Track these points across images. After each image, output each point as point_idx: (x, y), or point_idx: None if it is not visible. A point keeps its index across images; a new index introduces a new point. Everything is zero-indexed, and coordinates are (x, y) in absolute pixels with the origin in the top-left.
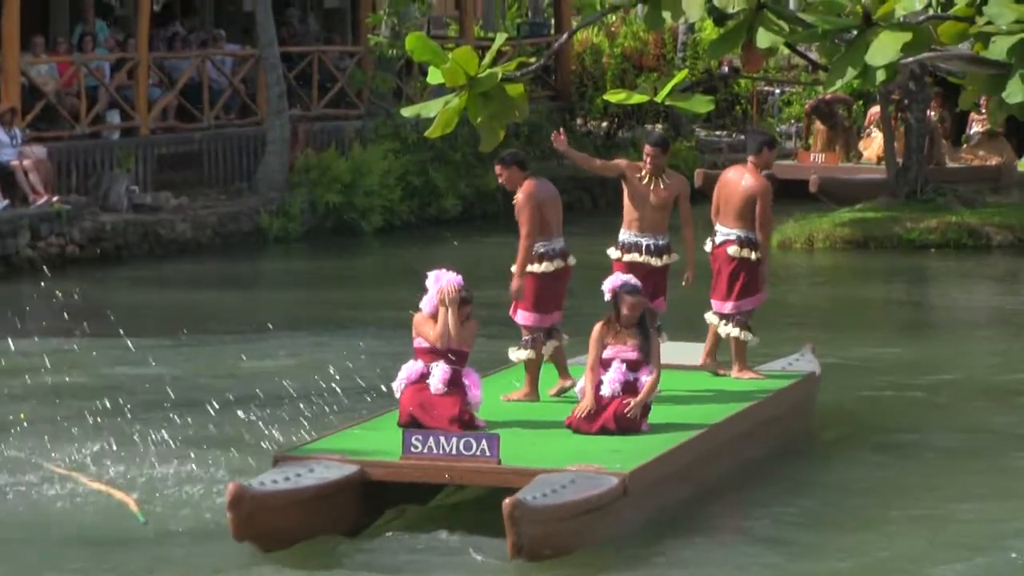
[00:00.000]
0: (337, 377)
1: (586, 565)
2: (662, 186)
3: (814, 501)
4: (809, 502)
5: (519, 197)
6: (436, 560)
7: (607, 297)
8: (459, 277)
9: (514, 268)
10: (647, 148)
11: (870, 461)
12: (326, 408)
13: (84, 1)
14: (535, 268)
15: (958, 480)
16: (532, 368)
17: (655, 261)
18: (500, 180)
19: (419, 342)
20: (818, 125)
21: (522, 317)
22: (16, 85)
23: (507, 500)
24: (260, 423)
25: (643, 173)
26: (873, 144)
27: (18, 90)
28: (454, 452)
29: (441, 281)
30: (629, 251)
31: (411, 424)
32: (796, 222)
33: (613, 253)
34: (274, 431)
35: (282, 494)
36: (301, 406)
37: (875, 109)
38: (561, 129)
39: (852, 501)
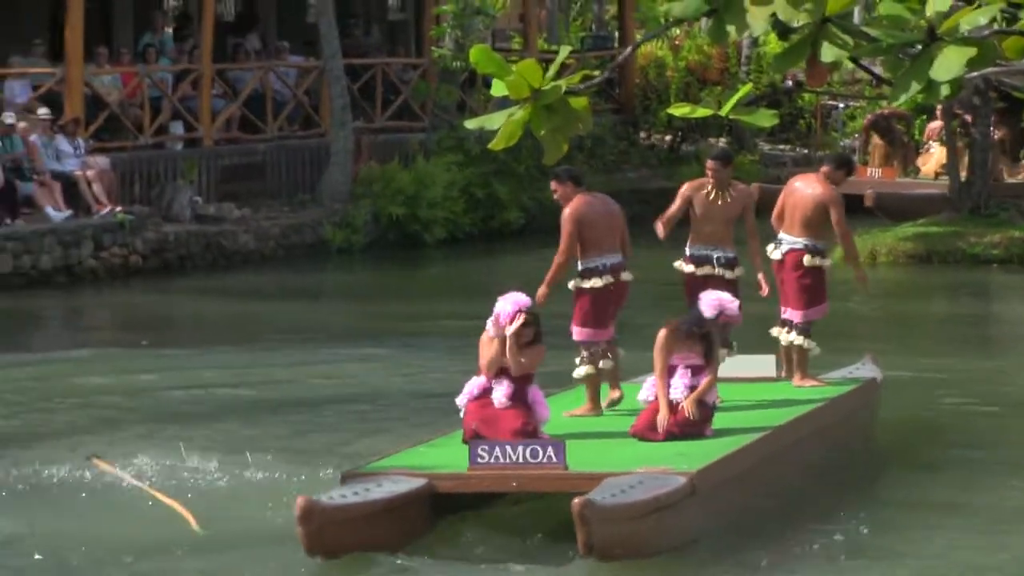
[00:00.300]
0: (399, 388)
1: (654, 567)
2: (728, 199)
3: (871, 511)
4: (866, 512)
5: (564, 213)
6: (499, 570)
7: (709, 314)
8: (523, 300)
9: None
10: (709, 163)
11: (930, 474)
12: (388, 418)
13: (150, 11)
14: (584, 284)
15: (1017, 496)
16: (592, 384)
17: (728, 274)
18: (555, 196)
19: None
20: (876, 140)
21: (577, 334)
22: (80, 95)
23: (577, 499)
24: (323, 432)
25: (708, 188)
26: (931, 159)
27: (81, 100)
28: (520, 460)
29: (504, 306)
30: (701, 264)
31: (473, 437)
32: (859, 236)
33: (685, 267)
34: (337, 440)
35: (352, 507)
36: (364, 416)
37: (934, 124)
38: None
39: (911, 515)
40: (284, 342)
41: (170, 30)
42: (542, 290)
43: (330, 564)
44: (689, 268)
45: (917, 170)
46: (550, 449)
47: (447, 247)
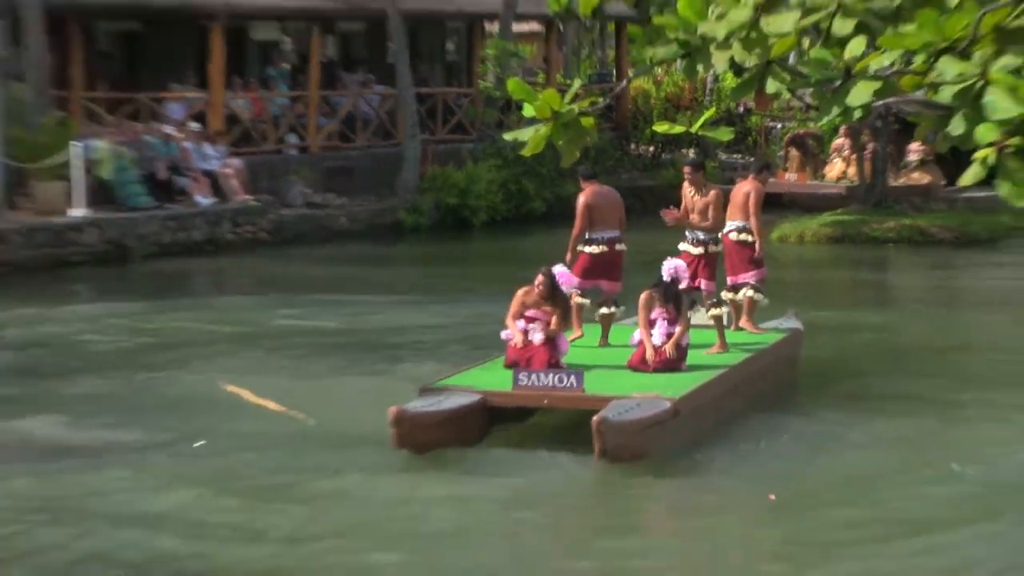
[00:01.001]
0: (454, 328)
1: (652, 470)
2: (699, 197)
3: (804, 425)
4: (799, 425)
5: (579, 198)
6: (536, 463)
7: (666, 276)
8: (557, 270)
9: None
10: (686, 169)
11: (840, 399)
12: (447, 350)
13: (272, 51)
14: (585, 248)
15: (916, 410)
16: (578, 312)
17: (694, 250)
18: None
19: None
20: (793, 152)
21: (568, 280)
22: (220, 114)
23: (595, 417)
24: (401, 359)
25: (688, 188)
26: (835, 168)
27: (222, 117)
28: (550, 384)
29: (562, 276)
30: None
31: (514, 366)
32: (790, 223)
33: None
34: (412, 365)
35: (429, 415)
36: (430, 348)
37: (838, 141)
38: (668, 210)
39: (825, 428)
40: (371, 295)
41: (287, 65)
42: (568, 256)
43: (412, 457)
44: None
45: (823, 176)
46: (572, 377)
47: (488, 228)
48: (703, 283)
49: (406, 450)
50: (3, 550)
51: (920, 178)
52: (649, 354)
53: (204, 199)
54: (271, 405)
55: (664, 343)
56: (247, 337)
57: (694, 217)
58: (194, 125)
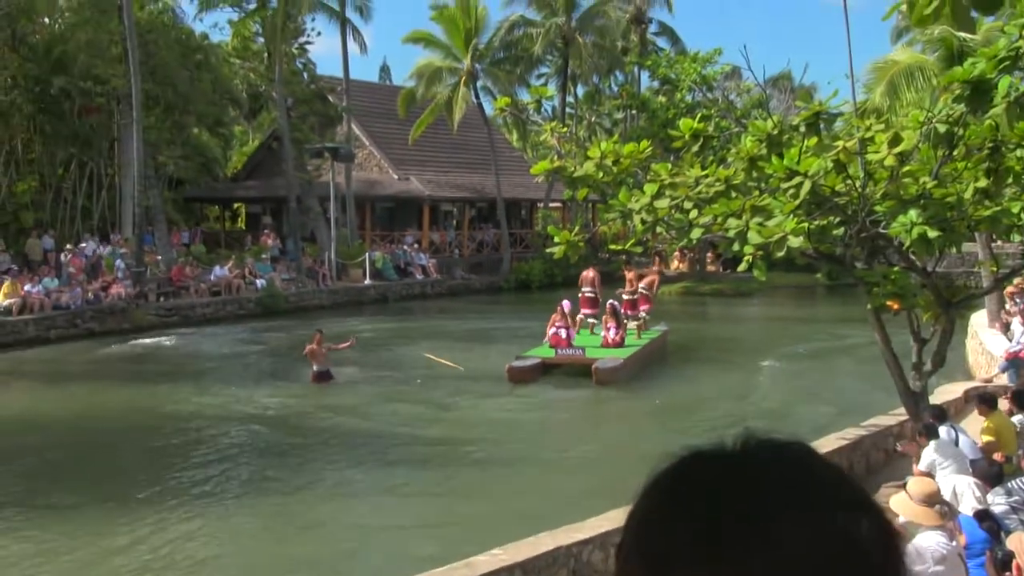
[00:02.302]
0: (523, 331)
1: (624, 393)
2: (633, 275)
3: (673, 373)
4: (671, 372)
5: (592, 275)
6: (566, 387)
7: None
8: (565, 303)
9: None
10: (626, 268)
11: (694, 366)
12: (520, 340)
13: (448, 215)
14: (579, 295)
15: (724, 369)
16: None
17: (629, 298)
18: (587, 273)
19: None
20: (656, 257)
21: (568, 306)
22: (427, 240)
23: (594, 366)
24: (497, 343)
25: (629, 273)
26: (674, 264)
27: (427, 242)
28: (571, 353)
29: (563, 304)
30: (624, 295)
31: (552, 347)
32: (666, 287)
33: (625, 297)
34: (503, 347)
35: (524, 367)
36: (511, 340)
37: (676, 253)
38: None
39: (686, 376)
40: (490, 316)
41: (455, 221)
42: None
43: (515, 385)
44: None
45: (669, 268)
46: (580, 351)
47: (539, 288)
48: (631, 312)
49: (511, 382)
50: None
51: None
52: (610, 340)
53: (419, 276)
54: (446, 362)
55: (615, 336)
56: (439, 333)
57: (630, 286)
58: (415, 245)
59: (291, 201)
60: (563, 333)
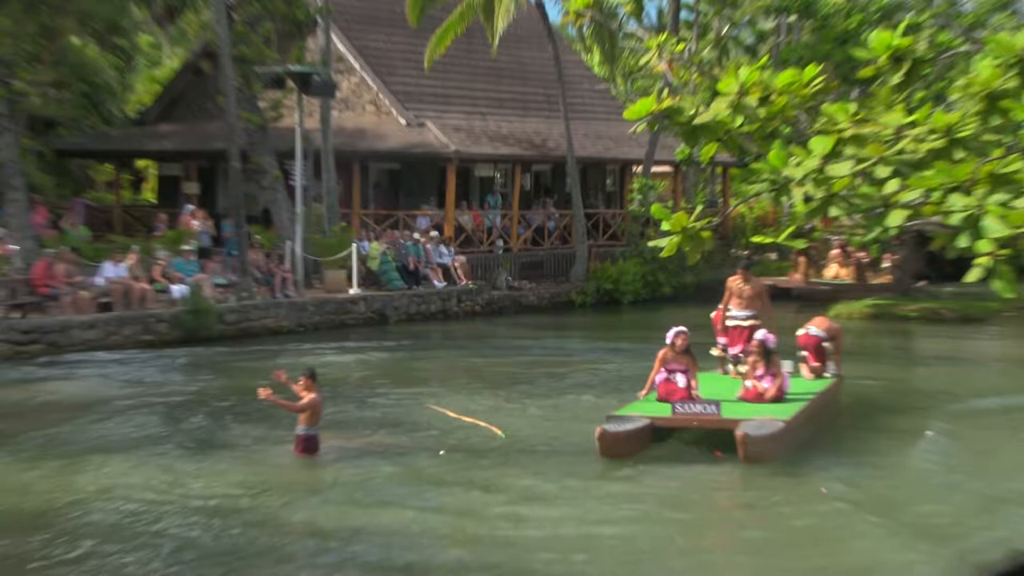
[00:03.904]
0: (616, 371)
1: (778, 472)
2: (749, 288)
3: (850, 443)
4: (848, 442)
5: (753, 286)
6: (687, 463)
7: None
8: (680, 328)
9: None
10: (739, 270)
11: (876, 426)
12: (609, 386)
13: (487, 185)
14: (729, 323)
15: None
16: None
17: (743, 323)
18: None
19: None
20: (801, 259)
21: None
22: (451, 225)
23: (740, 432)
24: (564, 394)
25: (739, 281)
26: (831, 270)
27: (452, 227)
28: (698, 411)
29: (673, 330)
30: (732, 319)
31: (664, 400)
32: (843, 304)
33: (729, 322)
34: (572, 398)
35: (625, 432)
36: (596, 384)
37: (833, 252)
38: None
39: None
40: (554, 349)
41: (500, 196)
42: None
43: (608, 462)
44: (729, 323)
45: (820, 276)
46: (712, 406)
47: (632, 305)
48: (750, 346)
49: (605, 457)
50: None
51: (886, 278)
52: (761, 391)
53: (439, 283)
54: (476, 422)
55: (772, 387)
56: (468, 374)
57: (741, 302)
58: (434, 233)
59: (232, 159)
60: (680, 380)
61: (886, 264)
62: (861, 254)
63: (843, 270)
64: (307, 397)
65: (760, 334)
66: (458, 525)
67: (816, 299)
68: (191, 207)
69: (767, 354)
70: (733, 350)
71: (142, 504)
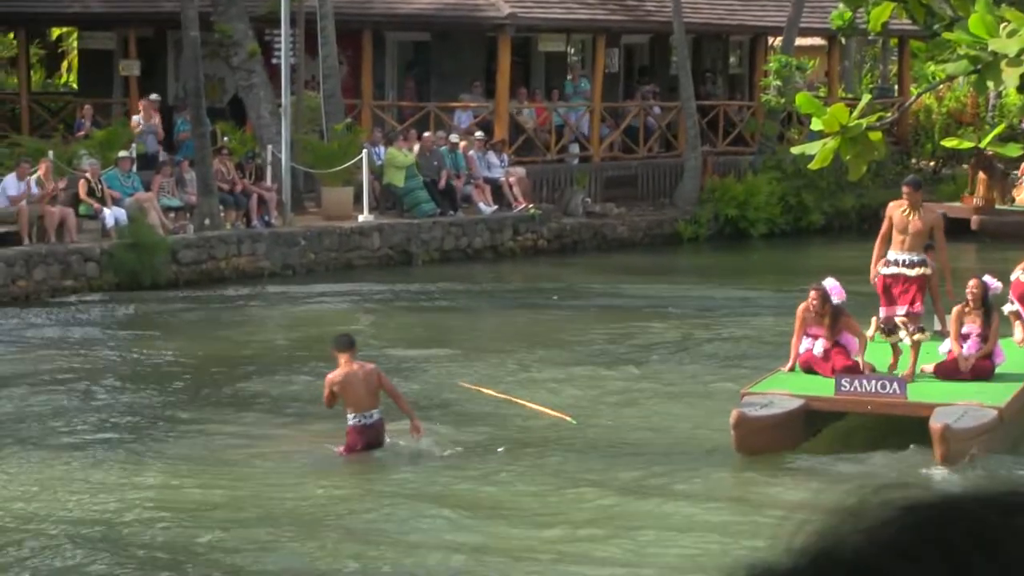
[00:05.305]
0: (741, 333)
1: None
2: (918, 218)
3: None
4: None
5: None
6: (858, 466)
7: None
8: (830, 285)
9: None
10: (904, 187)
11: None
12: (736, 353)
13: (557, 64)
14: (883, 270)
15: None
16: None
17: (909, 272)
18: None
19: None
20: (980, 175)
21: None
22: (505, 123)
23: (938, 424)
24: (695, 361)
25: (904, 207)
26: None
27: (506, 127)
28: (874, 390)
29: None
30: (890, 266)
31: (807, 371)
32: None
33: (884, 269)
34: (708, 367)
35: (766, 418)
36: (717, 352)
37: None
38: None
39: None
40: (652, 301)
41: (587, 80)
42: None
43: (747, 459)
44: (885, 270)
45: (1013, 199)
46: (895, 384)
47: (767, 239)
48: (918, 307)
49: (744, 453)
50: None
51: None
52: (963, 363)
53: (487, 207)
54: (539, 408)
55: (973, 353)
56: (516, 335)
57: (906, 239)
58: (479, 134)
59: (187, 26)
60: (820, 347)
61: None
62: None
63: None
64: (334, 378)
65: (985, 277)
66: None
67: (1009, 233)
68: (136, 96)
69: (987, 307)
70: (894, 312)
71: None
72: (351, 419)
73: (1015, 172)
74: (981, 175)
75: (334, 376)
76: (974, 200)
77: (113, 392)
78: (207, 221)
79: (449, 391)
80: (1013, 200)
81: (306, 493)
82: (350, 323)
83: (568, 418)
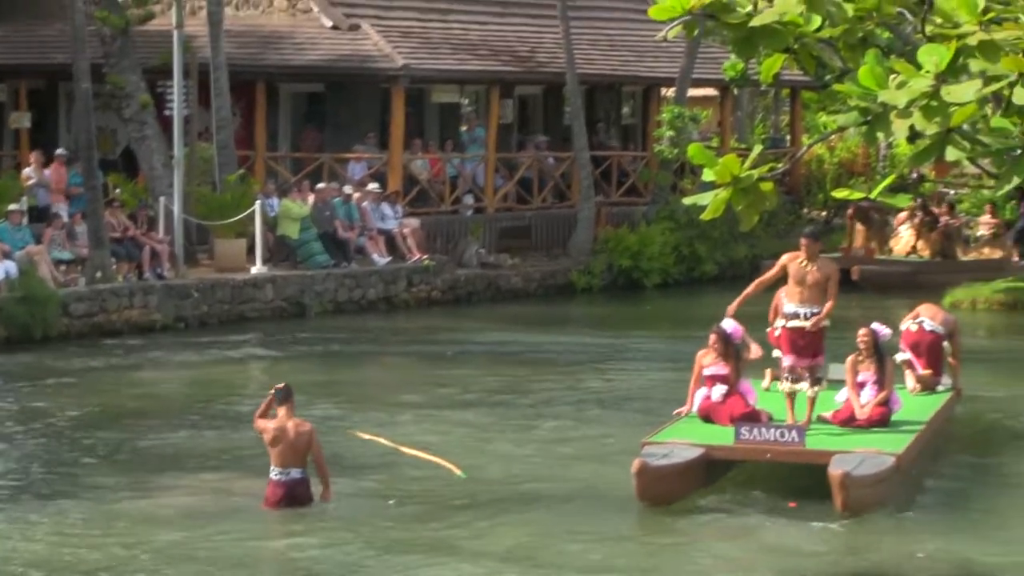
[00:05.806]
0: (634, 385)
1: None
2: (816, 269)
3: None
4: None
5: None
6: (760, 516)
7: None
8: (731, 326)
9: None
10: (803, 240)
11: (986, 451)
12: (629, 406)
13: (450, 115)
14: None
15: None
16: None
17: (808, 324)
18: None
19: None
20: (858, 226)
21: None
22: (399, 175)
23: (837, 471)
24: (588, 415)
25: (801, 259)
26: (900, 242)
27: (400, 178)
28: (772, 439)
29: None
30: (790, 319)
31: (705, 420)
32: (963, 289)
33: (786, 323)
34: (606, 422)
35: (668, 467)
36: (609, 403)
37: (902, 215)
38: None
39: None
40: (546, 351)
41: (477, 129)
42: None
43: (647, 507)
44: (781, 323)
45: (890, 250)
46: (794, 432)
47: (660, 290)
48: (821, 359)
49: (646, 502)
50: None
51: (991, 252)
52: (860, 412)
53: (380, 258)
54: (428, 457)
55: (878, 401)
56: (410, 387)
57: (804, 291)
58: (373, 185)
59: (79, 79)
60: (718, 393)
61: (984, 231)
62: (946, 216)
63: (920, 240)
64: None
65: (874, 325)
66: None
67: (888, 284)
68: (25, 149)
69: (879, 354)
70: (801, 363)
71: None
72: (272, 472)
73: (892, 222)
74: (859, 226)
75: (265, 425)
76: (851, 251)
77: (1, 447)
78: (99, 274)
79: (343, 440)
80: (891, 250)
81: (198, 546)
82: (243, 375)
83: (458, 471)
